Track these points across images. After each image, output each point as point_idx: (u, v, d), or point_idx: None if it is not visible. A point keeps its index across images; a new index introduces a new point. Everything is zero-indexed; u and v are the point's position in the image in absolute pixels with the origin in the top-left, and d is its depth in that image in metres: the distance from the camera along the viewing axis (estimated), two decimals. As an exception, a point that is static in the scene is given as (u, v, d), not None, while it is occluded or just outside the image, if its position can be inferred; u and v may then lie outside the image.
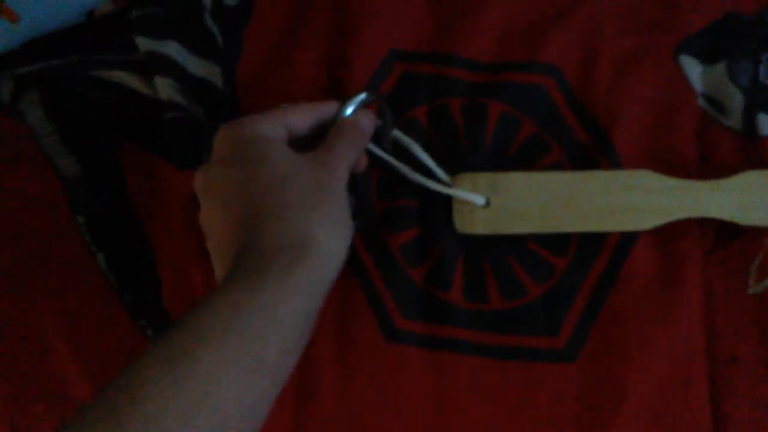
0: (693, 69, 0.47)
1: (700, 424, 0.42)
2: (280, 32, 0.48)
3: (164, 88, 0.44)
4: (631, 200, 0.44)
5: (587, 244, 0.44)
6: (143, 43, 0.44)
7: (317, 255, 0.33)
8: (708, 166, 0.46)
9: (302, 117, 0.39)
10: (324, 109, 0.40)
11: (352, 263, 0.44)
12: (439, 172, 0.45)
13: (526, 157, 0.46)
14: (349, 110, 0.40)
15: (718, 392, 0.42)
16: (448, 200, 0.45)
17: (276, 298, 0.31)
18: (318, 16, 0.48)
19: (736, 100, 0.46)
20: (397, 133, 0.45)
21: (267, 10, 0.49)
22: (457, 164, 0.45)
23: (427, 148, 0.46)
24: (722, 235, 0.45)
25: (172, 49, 0.45)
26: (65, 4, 0.45)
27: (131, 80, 0.45)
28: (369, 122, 0.41)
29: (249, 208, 0.34)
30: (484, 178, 0.45)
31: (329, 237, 0.34)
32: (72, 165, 0.45)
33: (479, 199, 0.44)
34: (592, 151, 0.46)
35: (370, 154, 0.44)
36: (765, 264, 0.44)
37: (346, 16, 0.48)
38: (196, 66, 0.45)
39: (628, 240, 0.44)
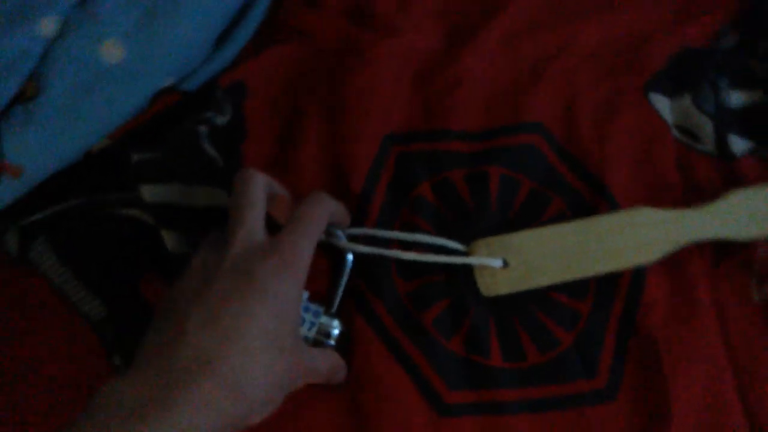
0: (663, 104, 0.51)
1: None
2: (277, 141, 0.50)
3: (172, 242, 0.44)
4: (636, 237, 0.47)
5: (604, 284, 0.47)
6: (148, 192, 0.44)
7: (216, 384, 0.34)
8: (692, 192, 0.50)
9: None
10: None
11: (392, 349, 0.45)
12: (453, 245, 0.47)
13: (531, 213, 0.48)
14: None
15: (748, 400, 0.45)
16: (470, 268, 0.47)
17: None
18: (310, 117, 0.50)
19: (706, 126, 0.50)
20: (399, 234, 0.47)
21: (259, 123, 0.50)
22: (469, 231, 0.47)
23: (437, 221, 0.48)
24: (720, 253, 0.48)
25: (178, 191, 0.45)
26: (67, 151, 0.44)
27: (142, 215, 0.45)
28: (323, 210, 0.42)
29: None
30: (497, 241, 0.47)
31: (246, 360, 0.35)
32: (97, 307, 0.45)
33: (497, 262, 0.47)
34: (590, 197, 0.49)
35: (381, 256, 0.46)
36: (763, 272, 0.48)
37: (338, 113, 0.50)
38: (202, 197, 0.45)
39: (639, 273, 0.47)
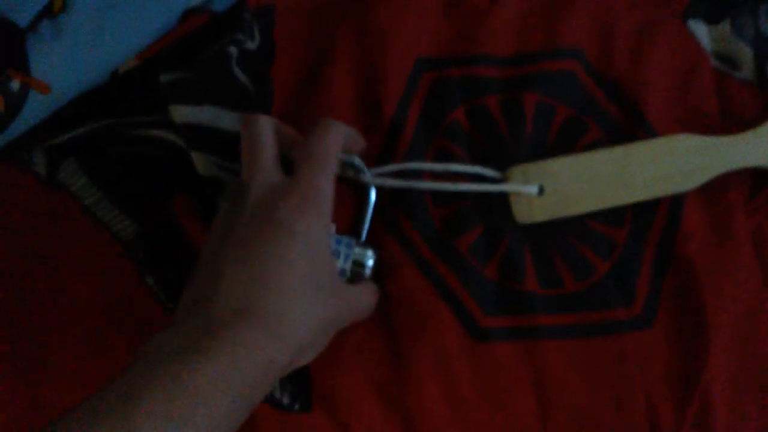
0: (701, 30, 0.50)
1: None
2: (306, 65, 0.48)
3: (202, 164, 0.43)
4: (674, 164, 0.46)
5: (641, 213, 0.46)
6: (178, 113, 0.43)
7: (253, 329, 0.33)
8: (730, 120, 0.49)
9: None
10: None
11: (427, 273, 0.44)
12: (488, 172, 0.46)
13: (567, 141, 0.48)
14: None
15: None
16: (505, 195, 0.46)
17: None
18: (341, 41, 0.48)
19: (745, 53, 0.49)
20: (431, 166, 0.46)
21: (289, 47, 0.49)
22: (504, 158, 0.46)
23: (471, 147, 0.47)
24: (758, 181, 0.47)
25: (209, 113, 0.44)
26: (94, 68, 0.43)
27: (172, 137, 0.44)
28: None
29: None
30: (534, 167, 0.46)
31: (283, 302, 0.35)
32: (129, 227, 0.44)
33: (533, 189, 0.46)
34: (627, 124, 0.48)
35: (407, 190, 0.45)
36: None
37: (369, 37, 0.48)
38: (234, 122, 0.44)
39: (677, 202, 0.46)
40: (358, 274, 0.43)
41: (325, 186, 0.38)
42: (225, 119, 0.44)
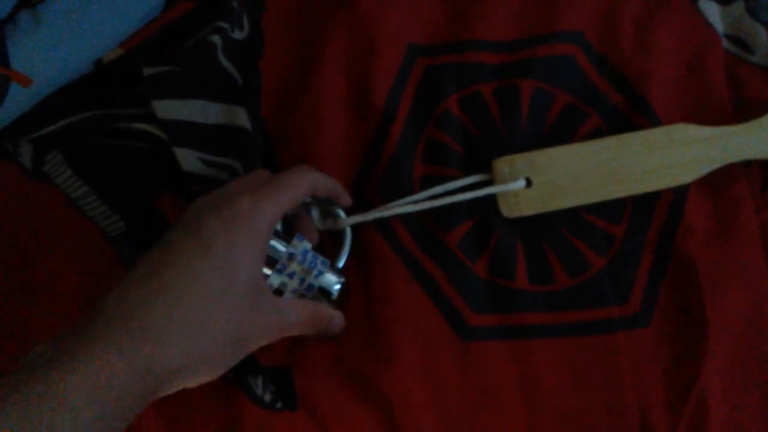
0: (712, 11, 0.47)
1: None
2: (296, 57, 0.47)
3: (186, 160, 0.42)
4: (672, 155, 0.44)
5: (641, 206, 0.44)
6: (161, 108, 0.42)
7: (133, 335, 0.31)
8: (742, 107, 0.46)
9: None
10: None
11: (414, 270, 0.43)
12: (473, 179, 0.44)
13: (565, 129, 0.46)
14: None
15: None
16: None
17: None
18: (331, 31, 0.47)
19: (759, 35, 0.46)
20: (411, 207, 0.44)
21: (278, 37, 0.47)
22: (497, 148, 0.45)
23: (464, 137, 0.45)
24: (768, 174, 0.45)
25: (193, 108, 0.42)
26: (76, 58, 0.43)
27: (156, 130, 0.43)
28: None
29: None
30: (521, 158, 0.44)
31: (174, 312, 0.33)
32: (116, 223, 0.44)
33: (519, 183, 0.44)
34: (629, 112, 0.45)
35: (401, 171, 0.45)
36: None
37: (360, 24, 0.47)
38: (221, 115, 0.43)
39: (680, 194, 0.44)
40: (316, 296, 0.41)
41: (266, 213, 0.37)
42: (210, 112, 0.43)
